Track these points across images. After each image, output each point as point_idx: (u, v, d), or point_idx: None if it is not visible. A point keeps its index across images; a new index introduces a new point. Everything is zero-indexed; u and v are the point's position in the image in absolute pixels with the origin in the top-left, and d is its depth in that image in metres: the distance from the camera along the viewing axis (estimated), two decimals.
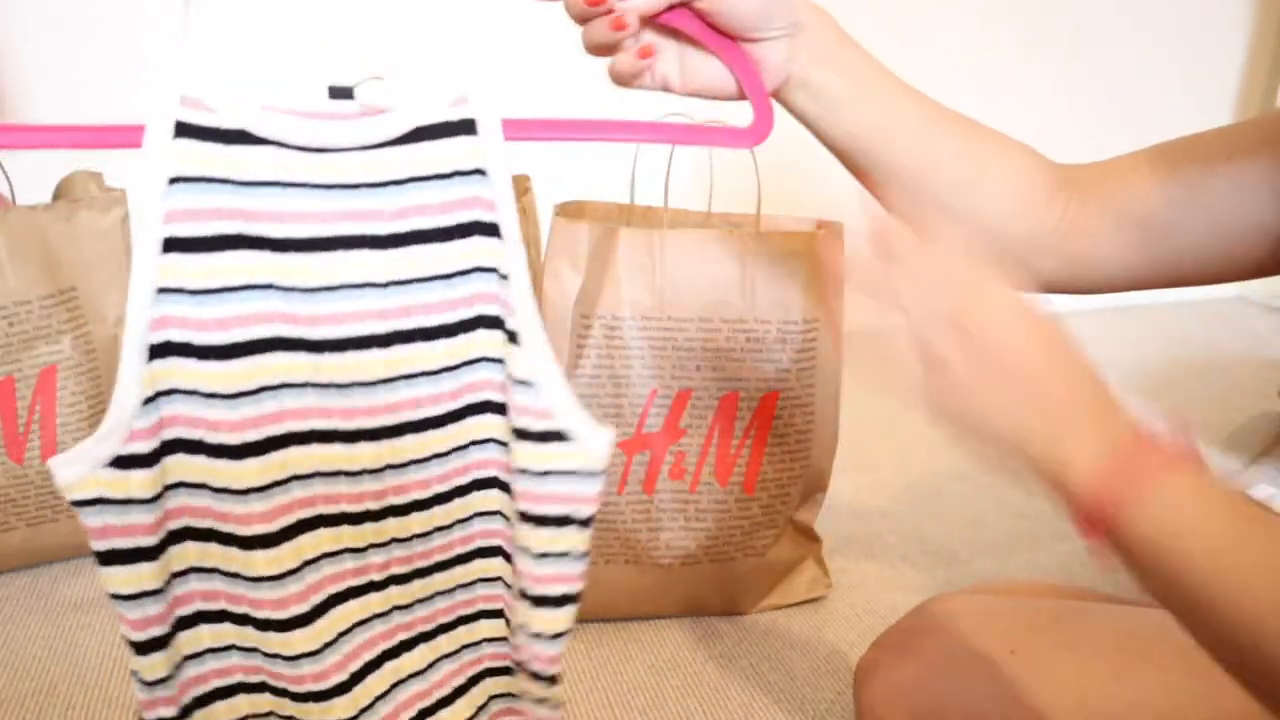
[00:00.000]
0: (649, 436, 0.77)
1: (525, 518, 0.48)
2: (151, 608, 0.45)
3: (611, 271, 0.75)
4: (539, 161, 0.91)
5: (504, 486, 0.50)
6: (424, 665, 0.52)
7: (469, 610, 0.54)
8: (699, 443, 0.78)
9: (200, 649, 0.48)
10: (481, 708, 0.56)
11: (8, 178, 0.92)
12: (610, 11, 0.48)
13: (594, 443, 0.47)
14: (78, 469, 0.42)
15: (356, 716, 0.50)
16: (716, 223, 0.86)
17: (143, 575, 0.44)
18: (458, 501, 0.50)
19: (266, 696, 0.50)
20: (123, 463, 0.43)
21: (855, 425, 1.26)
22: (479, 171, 0.46)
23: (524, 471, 0.48)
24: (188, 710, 0.48)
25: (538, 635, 0.50)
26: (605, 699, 0.74)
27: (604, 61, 0.53)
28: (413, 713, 0.53)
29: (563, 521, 0.48)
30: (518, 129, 0.47)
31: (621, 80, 0.52)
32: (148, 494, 0.43)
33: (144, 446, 0.43)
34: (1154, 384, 1.42)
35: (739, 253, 0.75)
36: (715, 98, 0.53)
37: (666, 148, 1.32)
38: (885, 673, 0.59)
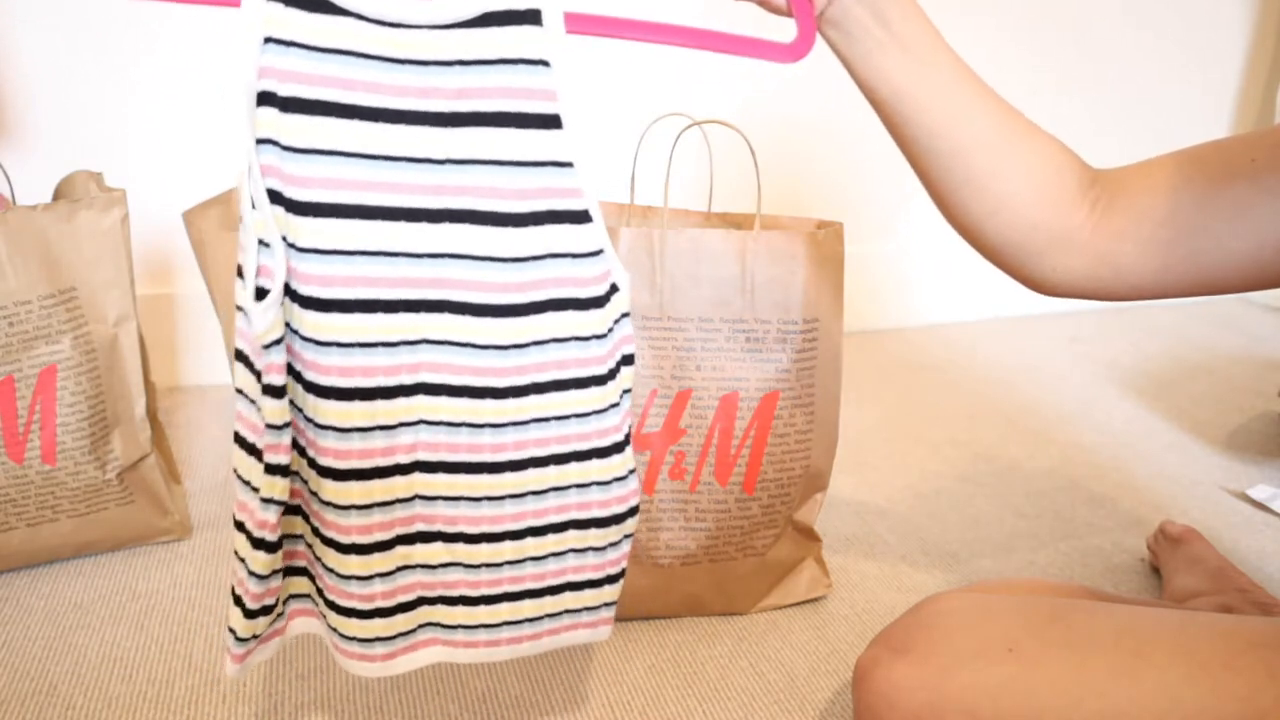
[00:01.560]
0: (649, 436, 0.77)
1: (599, 378, 0.53)
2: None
3: None
4: None
5: (579, 385, 0.53)
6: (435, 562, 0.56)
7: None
8: (699, 443, 0.78)
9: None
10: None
11: (8, 178, 0.92)
12: None
13: (627, 286, 0.54)
14: (271, 313, 0.48)
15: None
16: (716, 223, 0.86)
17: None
18: (525, 400, 0.53)
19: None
20: (260, 294, 0.49)
21: (855, 425, 1.26)
22: (543, 62, 0.48)
23: (598, 337, 0.53)
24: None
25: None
26: (605, 699, 0.74)
27: None
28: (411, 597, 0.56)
29: (627, 360, 0.55)
30: (578, 23, 0.50)
31: None
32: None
33: (281, 287, 0.49)
34: (1154, 384, 1.42)
35: (739, 253, 0.75)
36: (766, 9, 0.58)
37: (667, 148, 1.32)
38: (884, 671, 0.58)
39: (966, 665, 0.56)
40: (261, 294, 0.48)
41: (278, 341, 0.49)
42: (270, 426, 0.50)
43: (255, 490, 0.51)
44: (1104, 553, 0.97)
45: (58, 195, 0.93)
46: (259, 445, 0.51)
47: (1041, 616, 0.58)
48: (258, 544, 0.51)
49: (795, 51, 0.55)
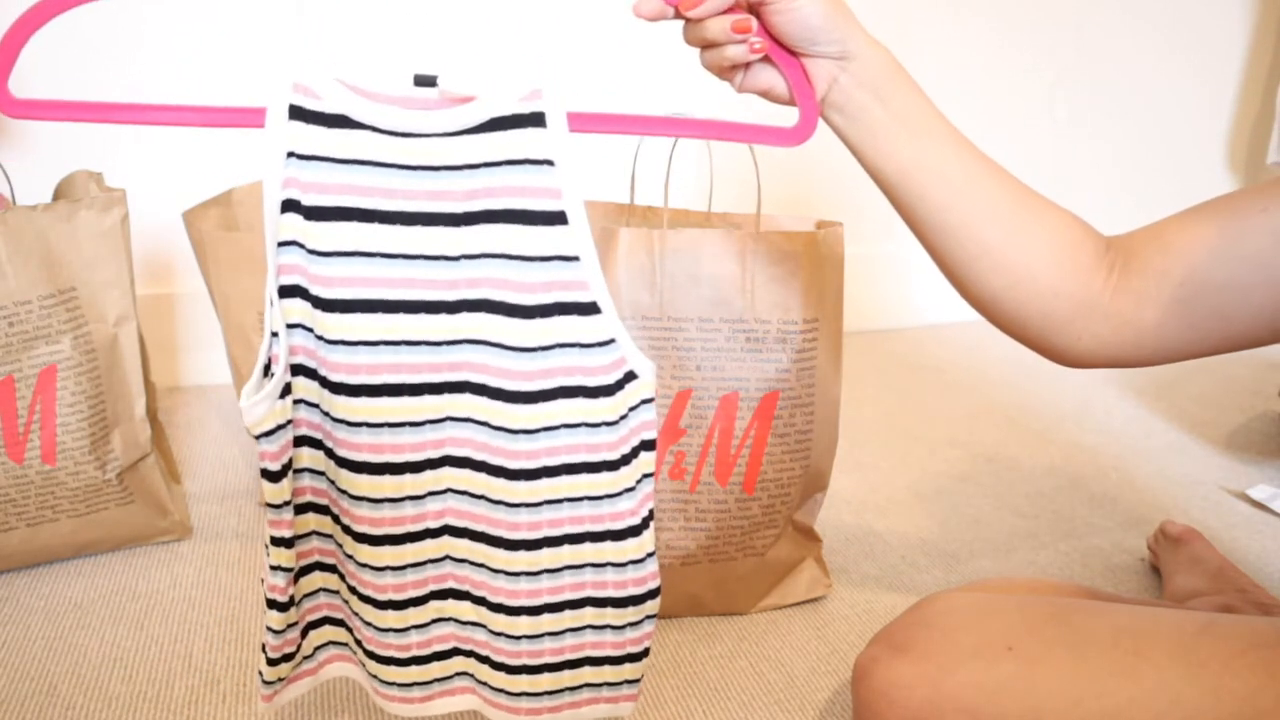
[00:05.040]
0: None
1: (610, 464, 0.54)
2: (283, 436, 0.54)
3: (611, 271, 0.75)
4: None
5: (589, 470, 0.55)
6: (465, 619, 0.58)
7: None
8: (699, 443, 0.78)
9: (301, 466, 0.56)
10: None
11: (8, 178, 0.92)
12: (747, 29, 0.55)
13: (650, 374, 0.55)
14: (263, 406, 0.52)
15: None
16: (716, 223, 0.86)
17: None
18: (537, 483, 0.54)
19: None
20: (285, 391, 0.53)
21: (855, 425, 1.26)
22: (548, 161, 0.51)
23: (608, 424, 0.54)
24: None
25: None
26: None
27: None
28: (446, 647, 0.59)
29: (647, 446, 0.55)
30: (581, 121, 0.52)
31: (718, 70, 0.57)
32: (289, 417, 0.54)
33: (287, 376, 0.52)
34: (1154, 384, 1.42)
35: (739, 253, 0.75)
36: (768, 99, 0.58)
37: (668, 148, 1.33)
38: (883, 669, 0.59)
39: (966, 664, 0.56)
40: (268, 377, 0.52)
41: (270, 432, 0.52)
42: (269, 505, 0.54)
43: (267, 555, 0.56)
44: (1104, 553, 0.97)
45: (58, 195, 0.93)
46: (268, 517, 0.55)
47: (1041, 615, 0.58)
48: (270, 604, 0.56)
49: (798, 135, 0.56)
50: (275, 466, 0.53)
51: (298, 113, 0.50)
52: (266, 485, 0.53)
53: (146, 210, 1.27)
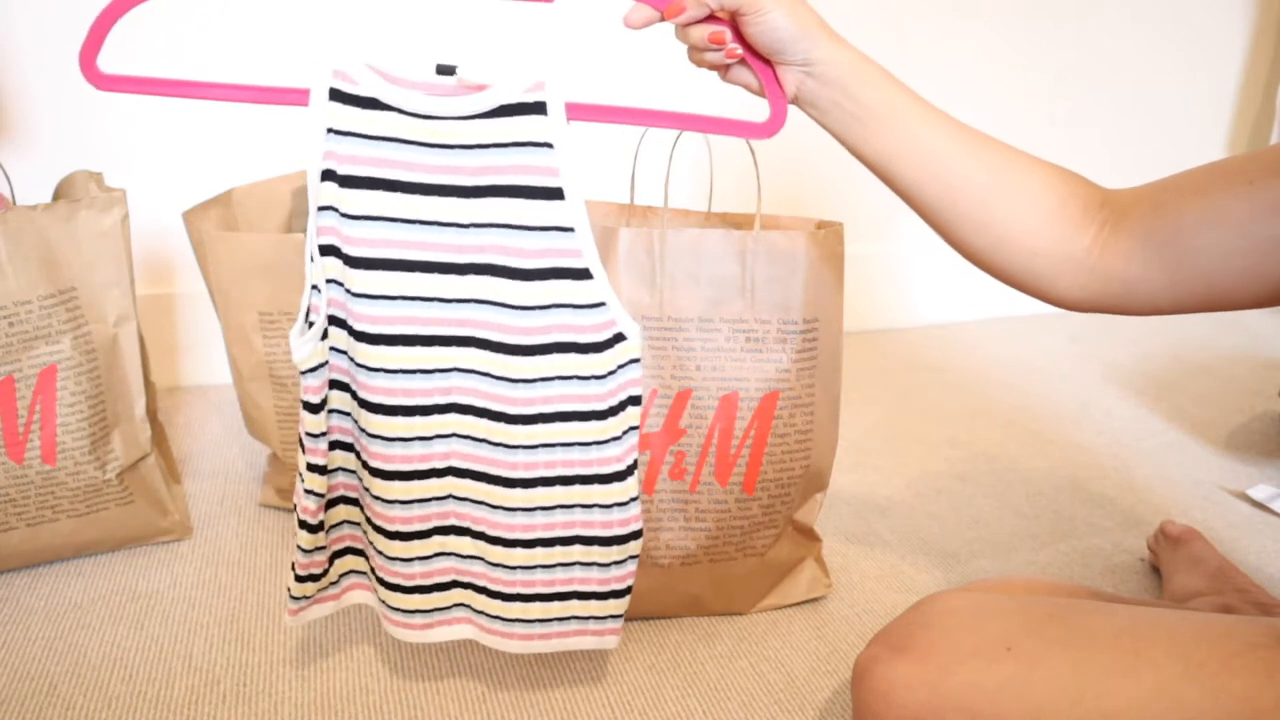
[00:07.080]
0: (649, 436, 0.77)
1: (599, 414, 0.62)
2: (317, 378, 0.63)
3: (611, 271, 0.75)
4: None
5: (580, 418, 0.62)
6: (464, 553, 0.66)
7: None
8: (699, 443, 0.78)
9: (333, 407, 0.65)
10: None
11: (8, 178, 0.92)
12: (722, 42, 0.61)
13: (637, 336, 0.62)
14: (308, 347, 0.61)
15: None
16: (716, 223, 0.86)
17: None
18: (533, 428, 0.62)
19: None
20: (323, 336, 0.62)
21: (855, 425, 1.26)
22: (548, 144, 0.58)
23: (597, 377, 0.61)
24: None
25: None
26: (605, 699, 0.74)
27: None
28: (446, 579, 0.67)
29: (634, 401, 0.63)
30: (577, 111, 0.59)
31: (704, 67, 0.63)
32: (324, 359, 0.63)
33: (325, 323, 0.61)
34: (1154, 384, 1.42)
35: (739, 253, 0.75)
36: (749, 92, 0.64)
37: (667, 149, 1.33)
38: (883, 669, 0.59)
39: (965, 664, 0.56)
40: (309, 325, 0.61)
41: (313, 369, 0.61)
42: (308, 434, 0.63)
43: (301, 481, 0.64)
44: (1104, 553, 0.97)
45: (58, 195, 0.93)
46: (305, 446, 0.64)
47: (1040, 616, 0.58)
48: (301, 524, 0.64)
49: (768, 130, 0.62)
50: (315, 400, 0.62)
51: (336, 95, 0.57)
52: (307, 416, 0.62)
53: (146, 210, 1.27)
